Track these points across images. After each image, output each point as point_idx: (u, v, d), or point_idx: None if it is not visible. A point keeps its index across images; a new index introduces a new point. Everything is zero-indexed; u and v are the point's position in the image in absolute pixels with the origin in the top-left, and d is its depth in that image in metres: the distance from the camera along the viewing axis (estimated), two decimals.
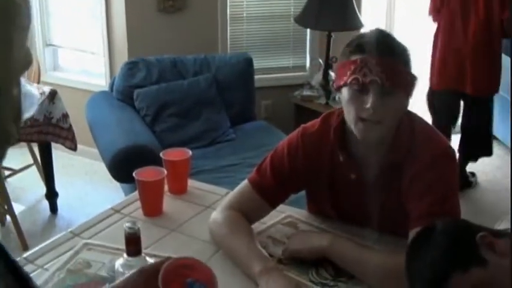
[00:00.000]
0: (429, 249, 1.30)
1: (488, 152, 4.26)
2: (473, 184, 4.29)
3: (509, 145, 4.56)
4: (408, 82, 1.56)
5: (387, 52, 1.53)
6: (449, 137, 4.07)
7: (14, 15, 0.65)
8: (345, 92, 1.58)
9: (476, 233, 1.28)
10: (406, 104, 1.60)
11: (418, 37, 5.05)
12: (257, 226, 1.79)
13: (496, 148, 4.76)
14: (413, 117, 1.68)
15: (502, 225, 1.57)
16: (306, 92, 4.29)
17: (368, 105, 1.51)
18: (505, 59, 4.06)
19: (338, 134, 1.67)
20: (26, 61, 0.69)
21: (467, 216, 1.44)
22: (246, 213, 1.74)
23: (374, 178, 1.67)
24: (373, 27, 1.64)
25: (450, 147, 1.66)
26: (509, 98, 4.19)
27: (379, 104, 1.51)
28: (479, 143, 4.22)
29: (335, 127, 1.67)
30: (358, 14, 4.00)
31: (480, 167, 4.47)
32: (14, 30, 0.65)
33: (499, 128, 4.73)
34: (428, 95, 4.23)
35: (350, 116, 1.58)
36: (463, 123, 4.22)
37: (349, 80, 1.54)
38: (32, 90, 3.50)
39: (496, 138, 4.82)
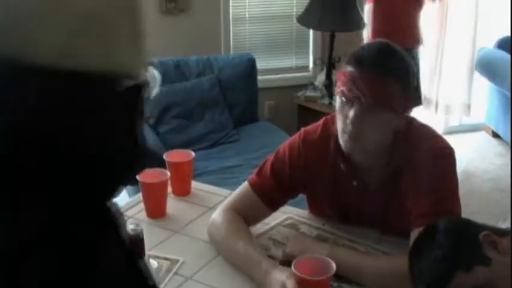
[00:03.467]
0: (432, 249, 1.30)
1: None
2: None
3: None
4: (398, 100, 1.53)
5: (378, 68, 1.50)
6: None
7: (139, 8, 0.77)
8: (337, 100, 1.59)
9: (478, 232, 1.28)
10: (395, 123, 1.57)
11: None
12: (259, 227, 1.79)
13: (499, 146, 4.76)
14: (411, 121, 1.65)
15: (505, 224, 1.57)
16: (310, 93, 4.29)
17: (348, 120, 1.53)
18: None
19: (338, 143, 1.64)
20: (149, 49, 0.79)
21: (469, 216, 1.44)
22: (244, 214, 1.73)
23: (376, 184, 1.67)
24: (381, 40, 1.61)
25: (447, 147, 1.64)
26: (509, 95, 4.19)
27: (359, 121, 1.52)
28: None
29: (335, 136, 1.65)
30: (361, 13, 4.00)
31: (483, 165, 4.46)
32: (141, 23, 0.77)
33: (500, 125, 4.72)
34: None
35: (338, 125, 1.60)
36: None
37: (338, 90, 1.55)
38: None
39: (498, 136, 4.82)
